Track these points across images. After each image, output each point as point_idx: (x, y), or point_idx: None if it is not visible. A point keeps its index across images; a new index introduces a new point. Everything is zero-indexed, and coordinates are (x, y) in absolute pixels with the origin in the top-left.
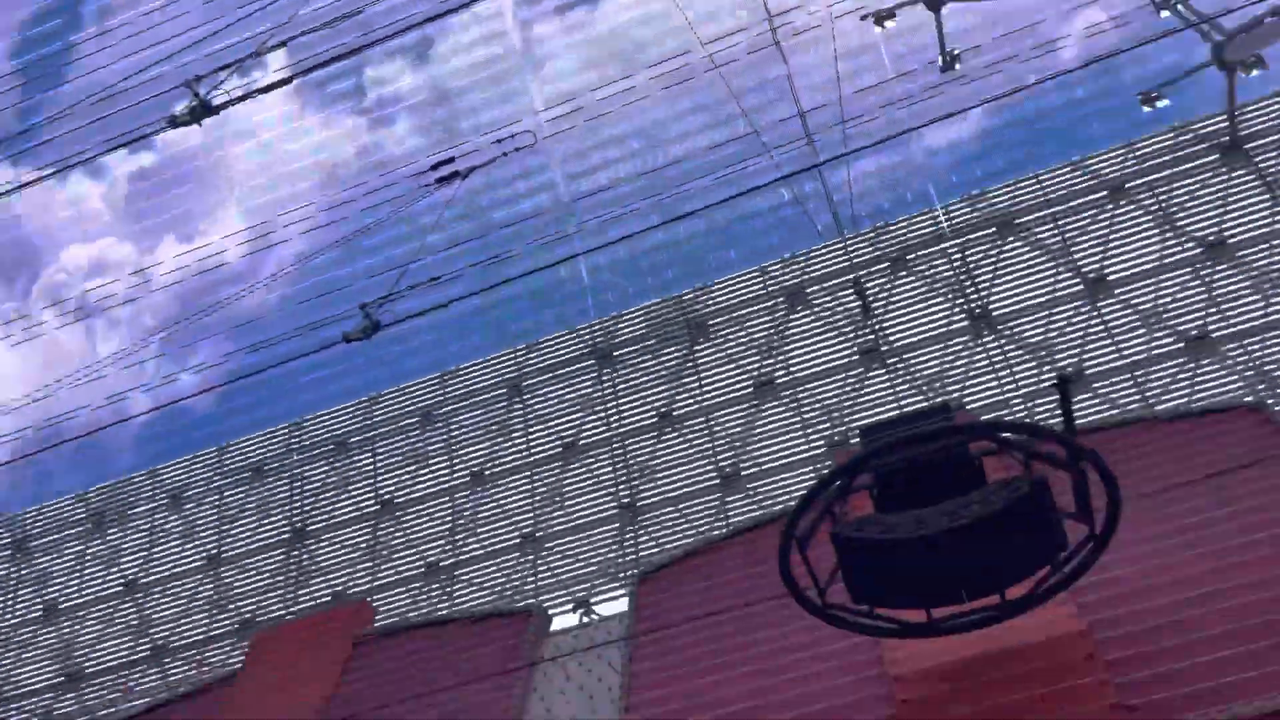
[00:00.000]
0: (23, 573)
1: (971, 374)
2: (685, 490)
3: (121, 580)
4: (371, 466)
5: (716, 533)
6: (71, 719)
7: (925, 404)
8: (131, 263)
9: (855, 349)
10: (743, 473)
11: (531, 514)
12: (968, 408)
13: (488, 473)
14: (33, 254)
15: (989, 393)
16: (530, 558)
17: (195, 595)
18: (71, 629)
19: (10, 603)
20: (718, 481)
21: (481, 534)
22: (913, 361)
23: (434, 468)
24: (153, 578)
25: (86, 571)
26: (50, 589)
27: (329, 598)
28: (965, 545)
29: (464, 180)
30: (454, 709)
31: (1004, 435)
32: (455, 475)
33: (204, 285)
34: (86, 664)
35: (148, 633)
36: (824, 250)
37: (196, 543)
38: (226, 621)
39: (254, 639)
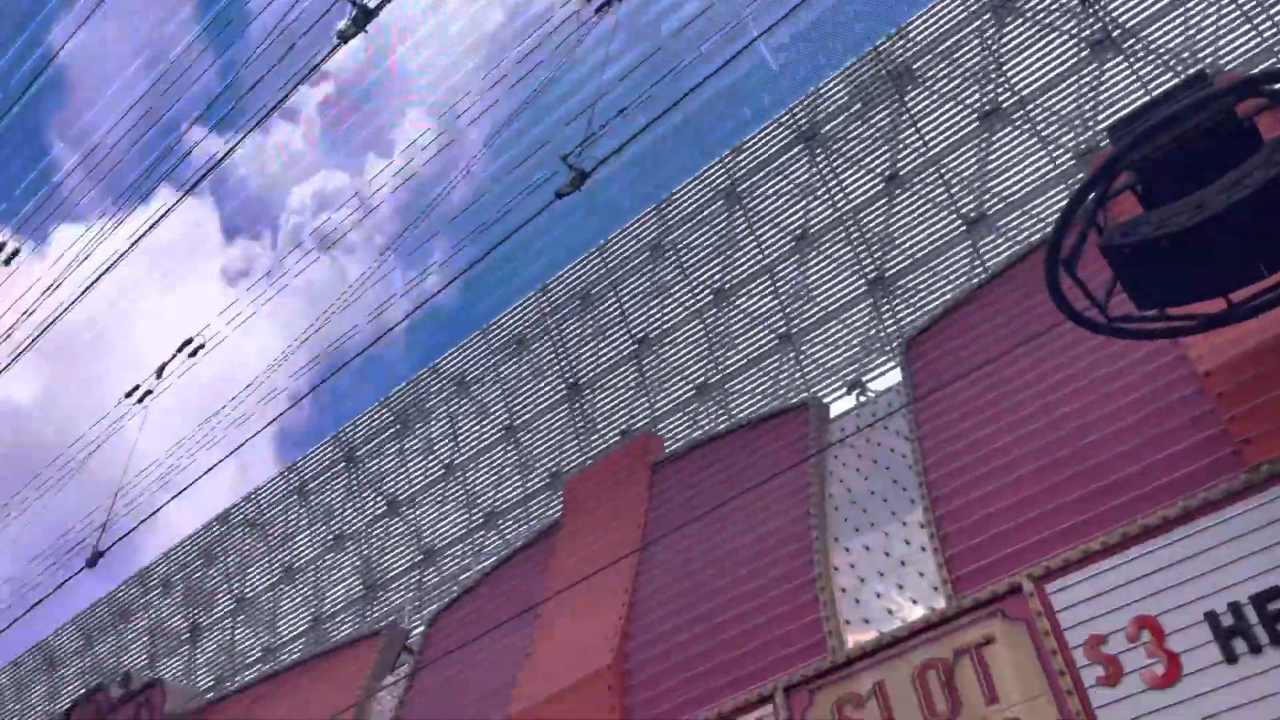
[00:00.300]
0: (360, 479)
1: (1224, 33)
2: (931, 247)
3: (441, 466)
4: (618, 310)
5: (975, 281)
6: (439, 587)
7: (1176, 81)
8: (347, 186)
9: (1083, 45)
10: (989, 212)
11: (782, 313)
12: (1227, 70)
13: (728, 286)
14: (266, 206)
15: (1247, 49)
16: (792, 355)
17: (504, 463)
18: (414, 515)
19: (358, 505)
20: (963, 229)
21: (740, 345)
22: (1152, 39)
23: (676, 295)
24: (464, 456)
25: (410, 465)
26: (386, 486)
27: (618, 437)
28: (1254, 216)
29: (622, 2)
30: (758, 509)
31: (1277, 85)
32: (699, 297)
33: (417, 188)
34: (436, 540)
35: (476, 504)
36: None
37: (490, 418)
38: (536, 479)
39: (565, 488)
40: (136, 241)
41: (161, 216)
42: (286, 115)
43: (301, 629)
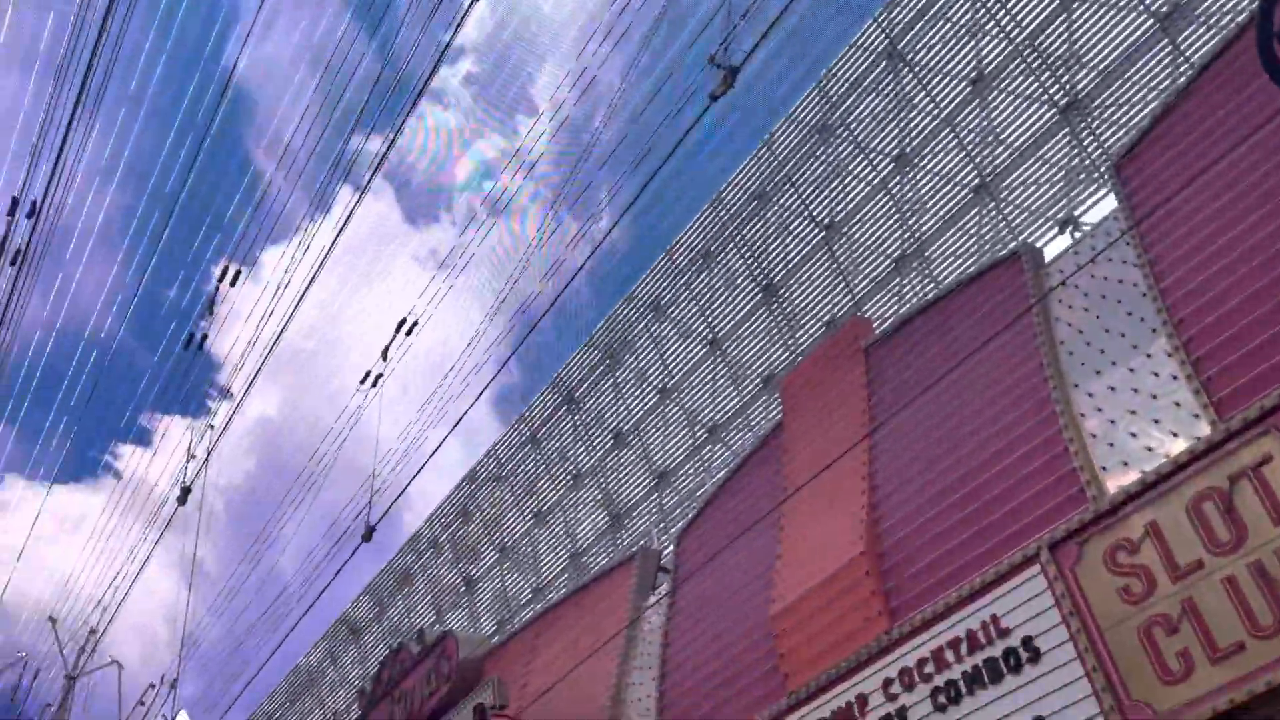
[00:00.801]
0: (583, 418)
1: None
2: (1123, 56)
3: (655, 391)
4: (798, 201)
5: (1178, 82)
6: (678, 506)
7: None
8: (505, 151)
9: None
10: (1183, 1)
11: (971, 164)
12: None
13: (908, 150)
14: (436, 183)
15: None
16: (991, 205)
17: (716, 377)
18: (640, 443)
19: (587, 444)
20: (1157, 27)
21: (932, 207)
22: None
23: (854, 172)
24: (676, 378)
25: (626, 396)
26: (608, 420)
27: (823, 329)
28: None
29: None
30: (985, 371)
31: None
32: (879, 168)
33: (571, 136)
34: (667, 463)
35: (697, 421)
36: None
37: (693, 336)
38: (750, 387)
39: (781, 388)
40: (338, 235)
41: (355, 204)
42: (435, 98)
43: (561, 566)
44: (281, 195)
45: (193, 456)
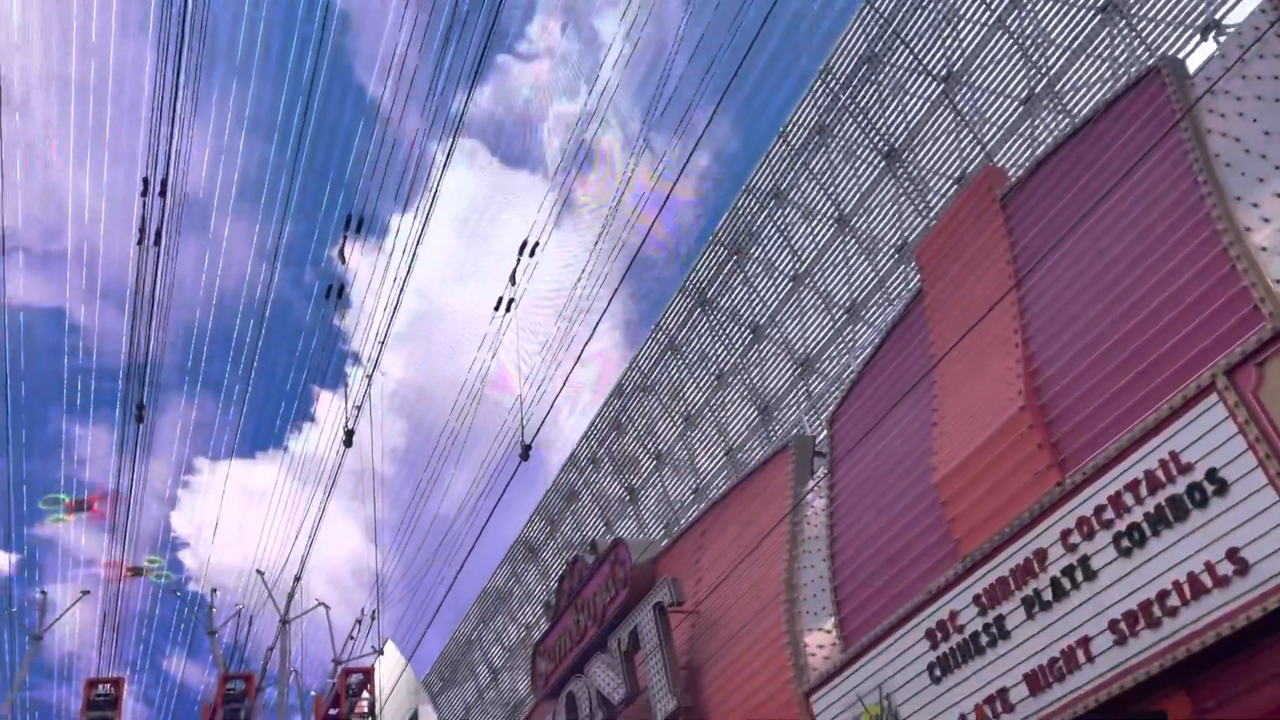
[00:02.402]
0: (717, 318)
1: None
2: None
3: (787, 279)
4: (910, 56)
5: None
6: (826, 390)
7: None
8: (584, 99)
9: None
10: None
11: None
12: None
13: None
14: (530, 135)
15: None
16: (1122, 24)
17: (847, 254)
18: (779, 333)
19: (725, 342)
20: None
21: (1056, 37)
22: None
23: (967, 15)
24: (806, 262)
25: (758, 287)
26: (743, 315)
27: (953, 186)
28: None
29: None
30: (1135, 198)
31: None
32: (992, 6)
33: (649, 60)
34: (808, 349)
35: (834, 302)
36: None
37: (818, 217)
38: (884, 259)
39: (916, 255)
40: (438, 185)
41: (448, 158)
42: (524, 58)
43: (718, 465)
44: (397, 150)
45: (357, 408)
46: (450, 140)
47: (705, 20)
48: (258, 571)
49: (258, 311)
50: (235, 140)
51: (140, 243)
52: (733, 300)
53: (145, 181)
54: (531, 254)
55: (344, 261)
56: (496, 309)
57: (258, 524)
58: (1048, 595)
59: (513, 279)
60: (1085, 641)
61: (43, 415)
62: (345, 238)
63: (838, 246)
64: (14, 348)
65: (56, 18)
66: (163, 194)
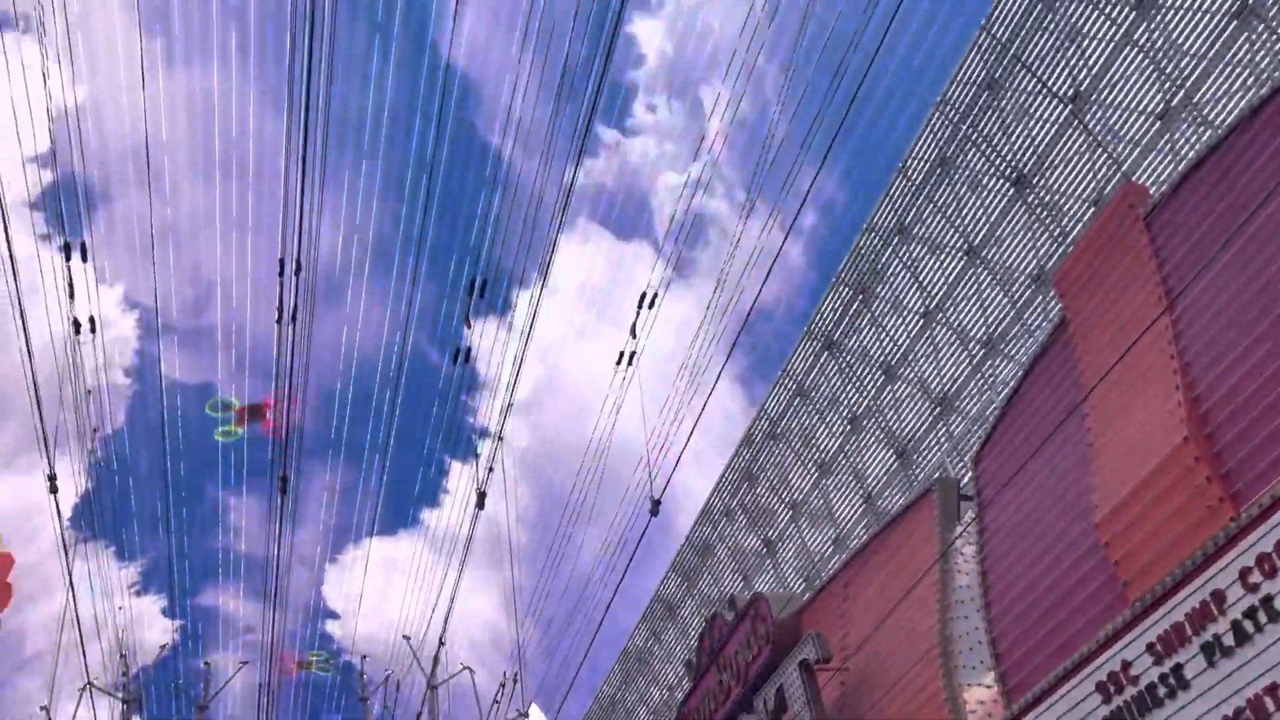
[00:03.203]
0: (846, 360)
1: None
2: None
3: (917, 315)
4: (1033, 80)
5: None
6: (968, 430)
7: None
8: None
9: None
10: None
11: None
12: None
13: None
14: (643, 194)
15: None
16: (1261, 29)
17: (980, 287)
18: (913, 372)
19: (856, 384)
20: None
21: (1189, 47)
22: None
23: (1091, 33)
24: (937, 296)
25: (887, 327)
26: (874, 356)
27: (1089, 209)
28: None
29: None
30: None
31: None
32: (1118, 20)
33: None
34: (946, 387)
35: (970, 337)
36: None
37: (946, 250)
38: (1020, 289)
39: (1056, 282)
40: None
41: (566, 204)
42: (631, 133)
43: (857, 513)
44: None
45: (490, 469)
46: (562, 213)
47: (809, 71)
48: (404, 637)
49: (392, 379)
50: (367, 209)
51: (279, 320)
52: (861, 341)
53: (281, 262)
54: (650, 306)
55: (469, 326)
56: (618, 364)
57: (400, 592)
58: (1229, 640)
59: (633, 332)
60: (1274, 689)
61: (198, 487)
62: (470, 303)
63: (969, 279)
64: (170, 422)
65: (200, 97)
66: (297, 273)
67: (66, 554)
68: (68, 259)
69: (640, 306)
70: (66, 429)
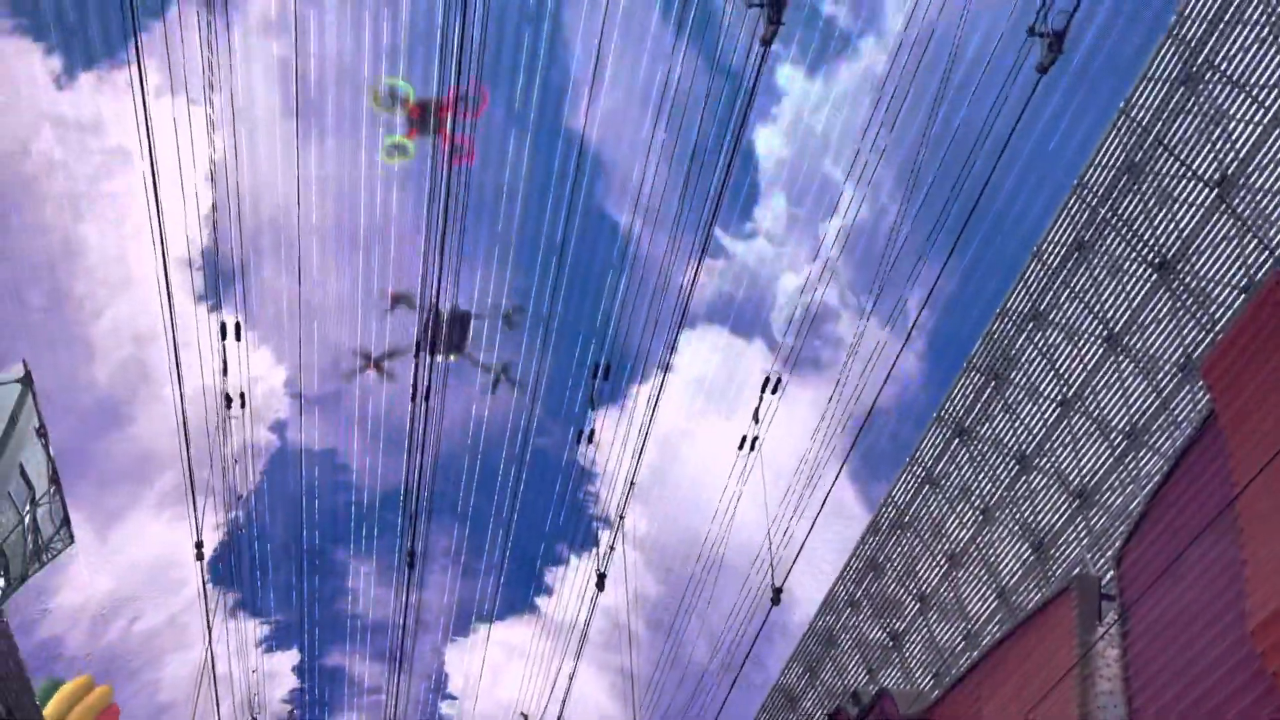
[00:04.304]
0: (979, 448)
1: None
2: None
3: (1054, 404)
4: (1175, 162)
5: None
6: (1110, 525)
7: None
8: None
9: None
10: None
11: None
12: None
13: None
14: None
15: None
16: None
17: (1122, 375)
18: (1050, 463)
19: (989, 473)
20: None
21: None
22: None
23: (1238, 115)
24: (1075, 385)
25: (1022, 414)
26: (1008, 444)
27: (1239, 295)
28: None
29: None
30: None
31: None
32: (1266, 102)
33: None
34: (1085, 479)
35: (1111, 427)
36: None
37: (1084, 336)
38: (1165, 378)
39: (1204, 371)
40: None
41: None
42: (741, 235)
43: (991, 608)
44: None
45: (611, 548)
46: (682, 314)
47: (934, 167)
48: (522, 715)
49: (517, 458)
50: (500, 287)
51: (414, 398)
52: (994, 429)
53: (418, 344)
54: (775, 390)
55: (593, 407)
56: (740, 448)
57: (516, 676)
58: None
59: (755, 417)
60: None
61: (328, 553)
62: (594, 385)
63: (1109, 367)
64: (307, 490)
65: (333, 164)
66: (432, 353)
67: (209, 616)
68: (223, 337)
69: (763, 391)
70: (211, 489)
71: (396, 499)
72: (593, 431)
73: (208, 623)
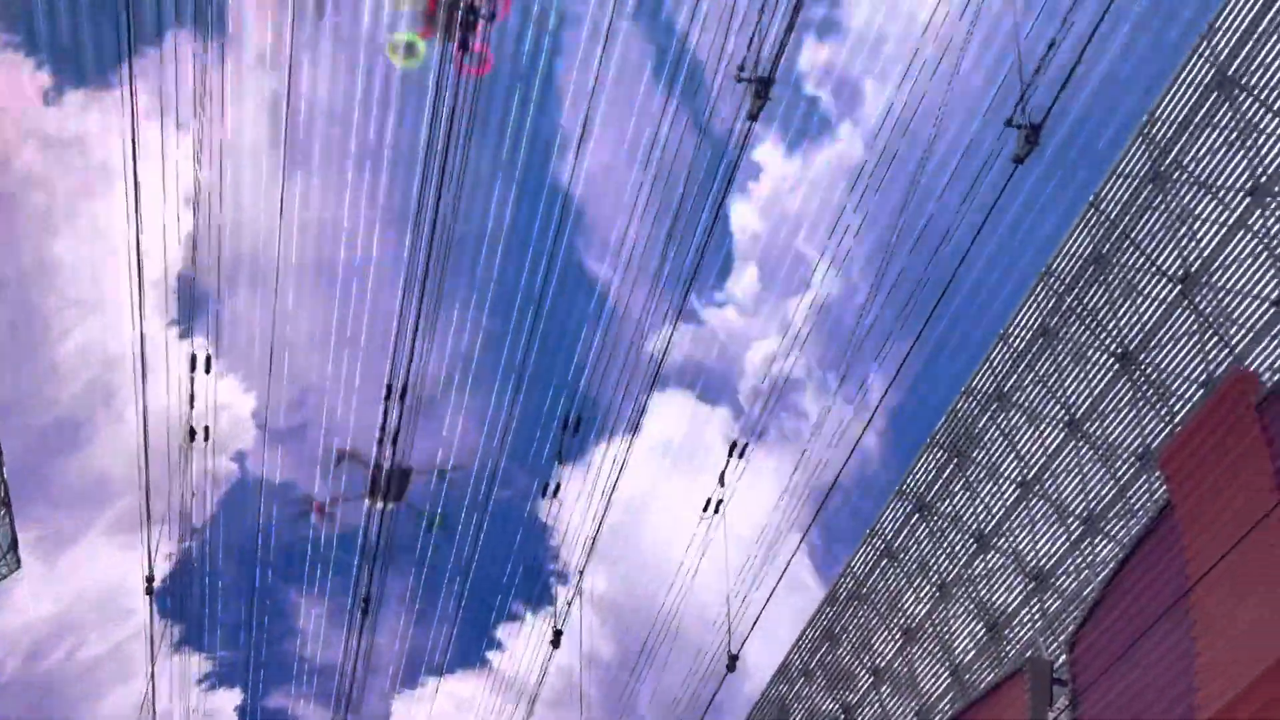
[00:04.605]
0: (938, 524)
1: None
2: None
3: (1014, 485)
4: (1140, 255)
5: None
6: (1064, 609)
7: None
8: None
9: None
10: None
11: None
12: None
13: (1264, 180)
14: (727, 376)
15: None
16: None
17: (1081, 461)
18: (1007, 544)
19: (947, 550)
20: None
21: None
22: None
23: (1204, 215)
24: (1035, 468)
25: (981, 493)
26: (966, 523)
27: (1197, 390)
28: None
29: None
30: None
31: None
32: (1231, 204)
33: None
34: (1042, 562)
35: (1069, 512)
36: None
37: (1046, 420)
38: (1123, 466)
39: (1162, 463)
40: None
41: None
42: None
43: (944, 685)
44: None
45: (568, 605)
46: (654, 378)
47: (905, 249)
48: None
49: (480, 505)
50: (474, 333)
51: (380, 441)
52: (954, 506)
53: (388, 388)
54: (741, 455)
55: (560, 462)
56: (704, 510)
57: None
58: None
59: (721, 480)
60: None
61: (279, 591)
62: (562, 439)
63: (1069, 452)
64: (265, 525)
65: (330, 220)
66: (402, 398)
67: (153, 648)
68: (193, 369)
69: (730, 456)
70: (166, 519)
71: (353, 539)
72: (558, 486)
73: (152, 657)
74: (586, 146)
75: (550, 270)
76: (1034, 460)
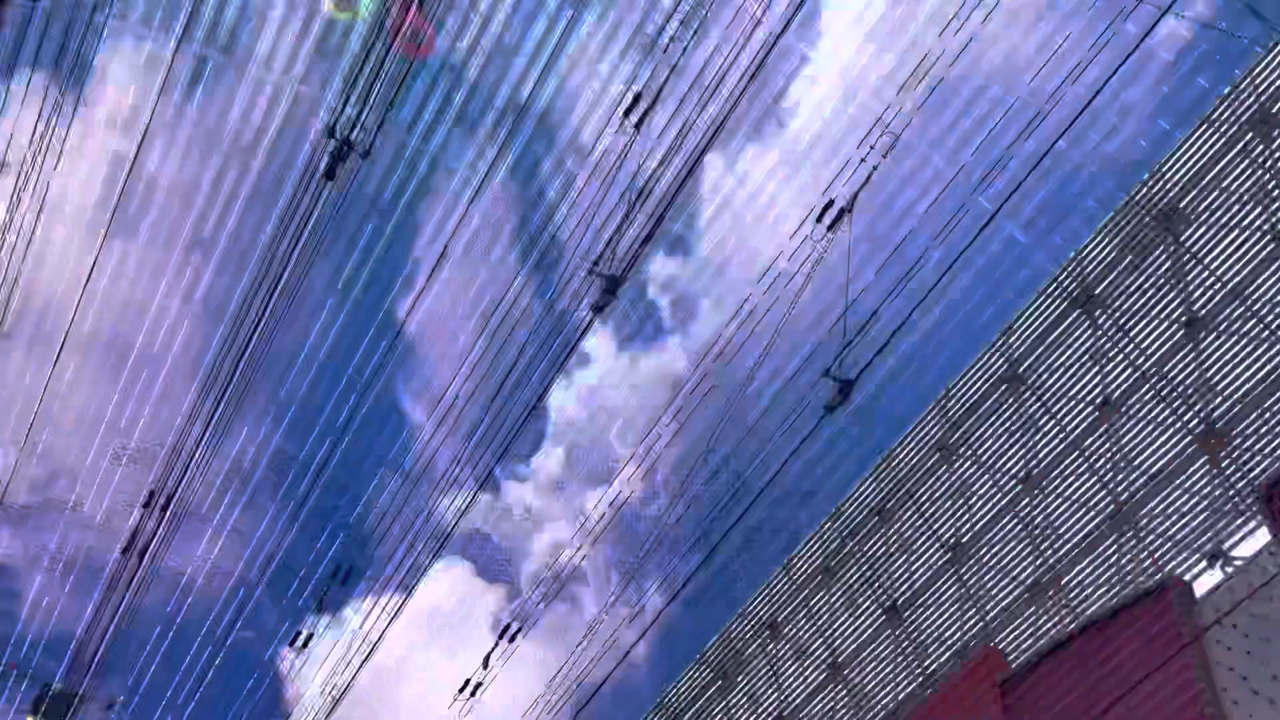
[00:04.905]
0: None
1: None
2: (1261, 386)
3: (770, 717)
4: (921, 520)
5: None
6: None
7: None
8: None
9: None
10: None
11: (1105, 490)
12: None
13: (1035, 472)
14: (511, 555)
15: None
16: (1130, 534)
17: (836, 703)
18: None
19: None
20: None
21: (1065, 533)
22: None
23: (979, 492)
24: (793, 704)
25: (738, 719)
26: None
27: (952, 656)
28: None
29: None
30: (1142, 714)
31: None
32: (1005, 489)
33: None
34: None
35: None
36: None
37: (810, 657)
38: (873, 718)
39: None
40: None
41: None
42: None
43: None
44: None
45: None
46: (442, 541)
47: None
48: None
49: (218, 640)
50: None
51: (125, 550)
52: None
53: (151, 493)
54: (511, 640)
55: (319, 611)
56: (461, 691)
57: None
58: None
59: (486, 662)
60: None
61: None
62: (329, 586)
63: (827, 694)
64: None
65: (127, 282)
66: (165, 508)
67: None
68: None
69: (500, 638)
70: None
71: (64, 646)
72: (309, 636)
73: None
74: (431, 288)
75: (361, 403)
76: (794, 697)
